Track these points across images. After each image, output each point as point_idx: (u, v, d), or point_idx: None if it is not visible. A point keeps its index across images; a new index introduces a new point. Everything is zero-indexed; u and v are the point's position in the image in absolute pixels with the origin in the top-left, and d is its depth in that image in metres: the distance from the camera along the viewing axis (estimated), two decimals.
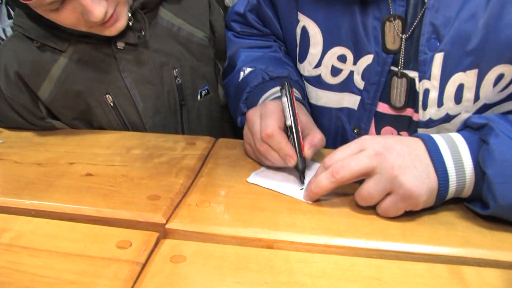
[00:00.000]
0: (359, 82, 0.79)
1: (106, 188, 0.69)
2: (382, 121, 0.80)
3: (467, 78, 0.70)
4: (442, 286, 0.52)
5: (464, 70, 0.70)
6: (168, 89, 0.95)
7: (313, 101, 0.86)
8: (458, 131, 0.65)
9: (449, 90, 0.72)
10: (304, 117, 0.75)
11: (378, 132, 0.82)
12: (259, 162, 0.75)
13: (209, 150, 0.81)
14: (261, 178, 0.72)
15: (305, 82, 0.87)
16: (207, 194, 0.67)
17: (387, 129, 0.81)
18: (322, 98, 0.84)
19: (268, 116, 0.72)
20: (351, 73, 0.80)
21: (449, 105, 0.73)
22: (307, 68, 0.84)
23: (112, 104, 0.91)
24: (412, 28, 0.72)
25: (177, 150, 0.80)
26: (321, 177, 0.63)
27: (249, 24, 0.96)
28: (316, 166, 0.75)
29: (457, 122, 0.73)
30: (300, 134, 0.71)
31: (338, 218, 0.62)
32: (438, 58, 0.71)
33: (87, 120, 0.93)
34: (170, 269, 0.54)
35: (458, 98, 0.72)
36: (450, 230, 0.60)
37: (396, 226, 0.61)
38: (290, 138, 0.71)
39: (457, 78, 0.71)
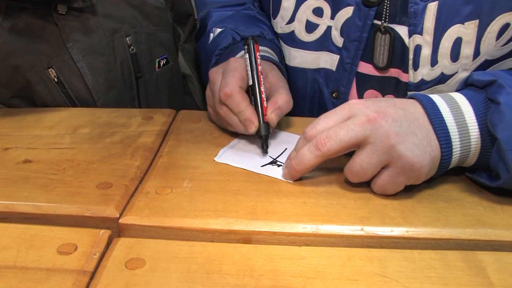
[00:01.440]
0: (338, 39, 0.70)
1: (47, 177, 0.57)
2: (364, 84, 0.71)
3: (466, 31, 0.61)
4: (460, 279, 0.42)
5: (462, 22, 0.61)
6: (121, 60, 0.83)
7: (286, 61, 0.76)
8: (459, 90, 0.56)
9: (444, 46, 0.63)
10: (274, 78, 0.65)
11: (360, 96, 0.72)
12: (225, 128, 0.65)
13: (169, 124, 0.70)
14: (230, 156, 0.61)
15: (280, 41, 0.77)
16: (169, 179, 0.57)
17: (370, 92, 0.72)
18: (296, 58, 0.75)
19: (229, 73, 0.62)
20: (329, 28, 0.70)
21: (445, 63, 0.63)
22: (279, 24, 0.74)
23: (56, 80, 0.78)
24: None
25: (132, 127, 0.69)
26: (304, 151, 0.53)
27: None
28: (287, 136, 0.65)
29: (453, 83, 0.64)
30: (264, 96, 0.61)
31: (326, 200, 0.52)
32: (431, 8, 0.61)
33: (28, 99, 0.80)
34: (126, 277, 0.43)
35: (454, 54, 0.63)
36: (457, 208, 0.51)
37: (395, 206, 0.51)
38: (252, 101, 0.61)
39: (454, 32, 0.62)
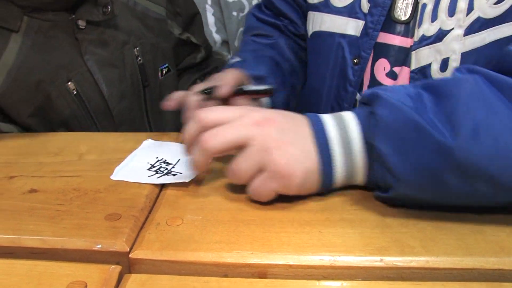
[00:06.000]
0: (365, 5, 0.78)
1: (54, 208, 0.56)
2: (379, 52, 0.77)
3: None
4: None
5: None
6: (130, 71, 0.87)
7: (317, 27, 0.86)
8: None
9: (444, 1, 0.68)
10: None
11: (373, 64, 0.79)
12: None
13: None
14: (125, 172, 0.62)
15: (312, 14, 0.87)
16: (179, 208, 0.55)
17: (381, 61, 0.77)
18: (326, 22, 0.83)
19: None
20: None
21: (442, 18, 0.68)
22: None
23: (75, 92, 0.80)
24: None
25: None
26: (195, 155, 0.54)
27: None
28: (182, 147, 0.68)
29: (448, 40, 0.68)
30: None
31: (343, 229, 0.51)
32: None
33: (45, 116, 0.80)
34: None
35: (451, 9, 0.67)
36: (478, 235, 0.50)
37: (414, 234, 0.50)
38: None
39: None
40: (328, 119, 0.54)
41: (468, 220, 0.52)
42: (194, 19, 1.06)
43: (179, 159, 0.66)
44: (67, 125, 0.83)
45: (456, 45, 0.68)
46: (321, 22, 0.84)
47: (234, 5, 1.26)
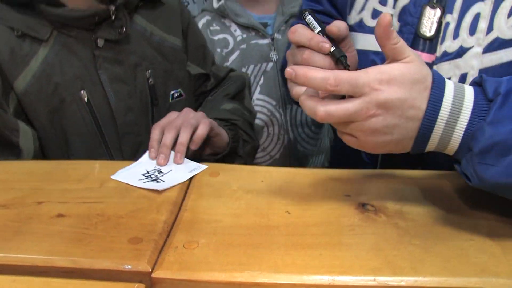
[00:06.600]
0: (395, 24, 0.81)
1: (81, 232, 0.62)
2: None
3: (485, 6, 0.70)
4: None
5: None
6: (140, 89, 0.98)
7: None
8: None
9: (466, 21, 0.72)
10: None
11: None
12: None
13: (190, 178, 0.75)
14: (125, 175, 0.75)
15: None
16: (194, 233, 0.61)
17: None
18: (360, 41, 0.86)
19: None
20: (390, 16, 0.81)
21: (463, 36, 0.72)
22: (353, 16, 0.87)
23: (86, 100, 0.91)
24: None
25: None
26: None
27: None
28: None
29: (468, 57, 0.72)
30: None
31: (341, 252, 0.57)
32: None
33: (58, 118, 0.91)
34: None
35: (472, 28, 0.72)
36: (462, 257, 0.56)
37: (404, 256, 0.56)
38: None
39: (475, 8, 0.71)
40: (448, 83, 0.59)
41: (453, 244, 0.58)
42: (201, 51, 1.14)
43: (171, 170, 0.77)
44: (77, 130, 0.93)
45: (475, 62, 0.72)
46: (355, 41, 0.87)
47: (219, 42, 1.35)
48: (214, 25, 1.35)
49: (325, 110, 0.57)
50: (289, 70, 0.60)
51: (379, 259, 0.55)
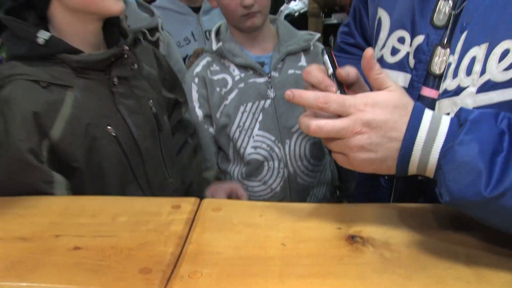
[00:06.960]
0: (411, 61, 0.87)
1: (96, 263, 0.69)
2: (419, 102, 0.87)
3: (480, 50, 0.75)
4: None
5: (479, 44, 0.75)
6: (148, 117, 1.09)
7: None
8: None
9: (464, 62, 0.77)
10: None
11: None
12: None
13: (195, 213, 0.81)
14: None
15: None
16: (198, 263, 0.68)
17: None
18: None
19: None
20: (407, 54, 0.88)
21: (461, 76, 0.78)
22: (376, 52, 0.92)
23: (114, 134, 1.00)
24: (462, 5, 0.80)
25: (163, 215, 0.81)
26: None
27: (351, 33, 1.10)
28: None
29: (463, 96, 0.77)
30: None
31: (329, 280, 0.63)
32: (463, 35, 0.78)
33: (92, 158, 0.98)
34: None
35: (469, 70, 0.77)
36: (440, 285, 0.62)
37: (386, 285, 0.62)
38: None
39: (472, 51, 0.76)
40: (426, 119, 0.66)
41: (433, 273, 0.64)
42: (176, 82, 1.29)
43: None
44: (110, 163, 1.01)
45: (469, 101, 0.76)
46: None
47: (218, 82, 1.41)
48: (214, 65, 1.42)
49: (316, 124, 0.67)
50: (288, 92, 0.70)
51: (363, 287, 0.62)
